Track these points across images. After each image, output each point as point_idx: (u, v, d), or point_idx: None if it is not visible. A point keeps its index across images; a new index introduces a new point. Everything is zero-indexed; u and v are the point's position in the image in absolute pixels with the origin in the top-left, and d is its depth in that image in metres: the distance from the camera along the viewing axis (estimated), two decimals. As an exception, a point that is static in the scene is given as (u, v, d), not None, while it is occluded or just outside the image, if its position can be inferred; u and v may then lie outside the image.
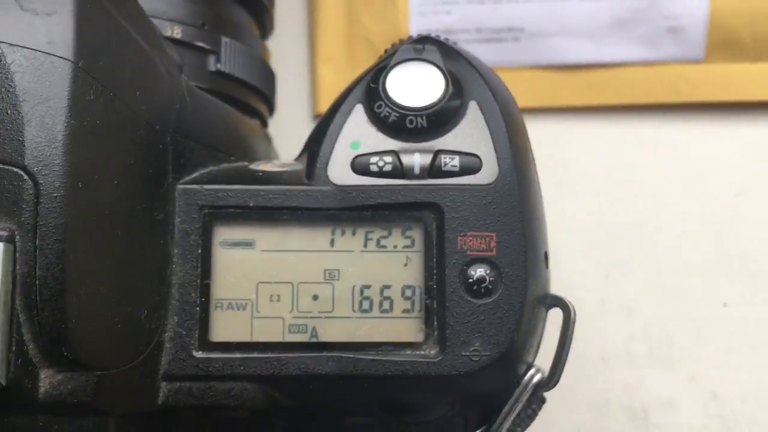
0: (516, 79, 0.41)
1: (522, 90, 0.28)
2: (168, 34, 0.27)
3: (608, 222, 0.42)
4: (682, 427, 0.41)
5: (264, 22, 0.33)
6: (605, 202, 0.42)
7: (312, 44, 0.43)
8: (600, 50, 0.42)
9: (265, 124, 0.33)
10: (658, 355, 0.42)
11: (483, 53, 0.29)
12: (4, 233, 0.20)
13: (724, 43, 0.41)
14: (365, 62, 0.43)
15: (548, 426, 0.41)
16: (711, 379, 0.41)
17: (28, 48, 0.21)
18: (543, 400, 0.27)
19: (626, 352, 0.42)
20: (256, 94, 0.31)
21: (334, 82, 0.43)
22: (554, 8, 0.41)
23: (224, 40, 0.29)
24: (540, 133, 0.28)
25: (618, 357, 0.42)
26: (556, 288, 0.43)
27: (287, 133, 0.36)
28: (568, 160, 0.42)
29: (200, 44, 0.28)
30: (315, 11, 0.43)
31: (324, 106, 0.43)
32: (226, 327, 0.24)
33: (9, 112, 0.21)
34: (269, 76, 0.32)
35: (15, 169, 0.21)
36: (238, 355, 0.24)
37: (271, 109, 0.33)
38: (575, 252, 0.42)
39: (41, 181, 0.21)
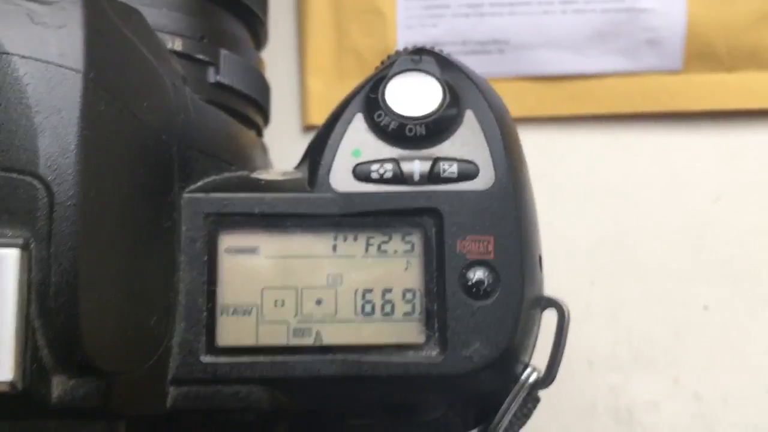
0: (501, 90, 0.41)
1: (507, 100, 0.29)
2: (169, 46, 0.28)
3: (592, 229, 0.43)
4: (666, 427, 0.42)
5: (258, 35, 0.34)
6: (589, 210, 0.43)
7: (301, 57, 0.44)
8: (582, 62, 0.43)
9: (260, 134, 0.34)
10: (642, 358, 0.43)
11: (469, 65, 0.30)
12: (20, 241, 0.21)
13: (701, 55, 0.42)
14: (354, 74, 0.44)
15: (537, 427, 0.41)
16: (693, 381, 0.42)
17: (40, 60, 0.22)
18: (537, 400, 0.28)
19: (611, 355, 0.43)
20: (253, 105, 0.32)
21: (323, 94, 0.43)
22: (538, 21, 0.42)
23: (223, 52, 0.30)
24: (524, 143, 0.29)
25: (603, 360, 0.43)
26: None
27: (277, 144, 0.37)
28: (551, 169, 0.43)
29: (200, 56, 0.29)
30: (304, 24, 0.44)
31: (313, 118, 0.43)
32: (232, 332, 0.25)
33: (23, 122, 0.21)
34: (265, 87, 0.33)
35: (29, 179, 0.21)
36: (244, 359, 0.25)
37: (266, 119, 0.34)
38: (561, 260, 0.43)
39: (55, 190, 0.21)
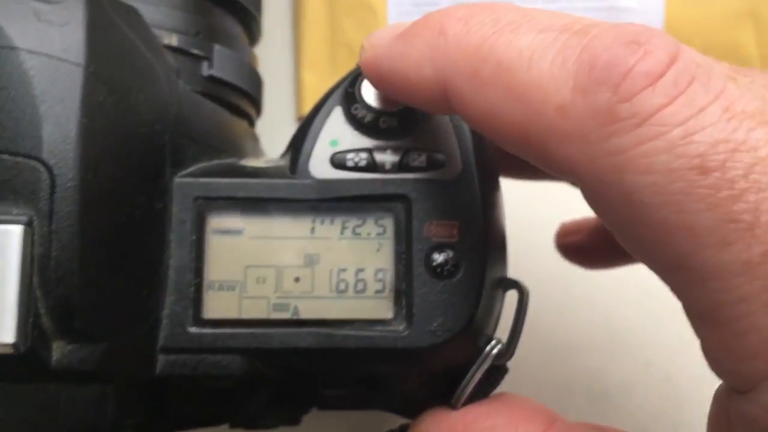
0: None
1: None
2: (165, 42, 0.30)
3: (572, 218, 0.45)
4: (639, 407, 0.44)
5: (252, 31, 0.36)
6: (569, 200, 0.45)
7: (296, 51, 0.46)
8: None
9: (252, 124, 0.36)
10: (617, 341, 0.45)
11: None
12: (24, 218, 0.23)
13: (679, 53, 0.44)
14: (346, 68, 0.46)
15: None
16: (665, 364, 0.44)
17: (44, 54, 0.24)
18: (505, 371, 0.29)
19: (588, 339, 0.45)
20: (245, 97, 0.34)
21: (317, 87, 0.46)
22: (522, 19, 0.44)
23: (216, 47, 0.32)
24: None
25: (580, 344, 0.45)
26: (525, 281, 0.45)
27: (273, 133, 0.39)
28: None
29: (194, 51, 0.31)
30: (299, 20, 0.46)
31: (307, 109, 0.46)
32: (217, 305, 0.27)
33: (28, 111, 0.24)
34: (257, 81, 0.35)
35: (34, 162, 0.23)
36: (227, 331, 0.27)
37: (259, 110, 0.36)
38: (542, 248, 0.45)
39: (56, 173, 0.23)
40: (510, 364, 0.29)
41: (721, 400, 0.23)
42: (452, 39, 0.23)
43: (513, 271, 0.41)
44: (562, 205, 0.45)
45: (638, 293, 0.45)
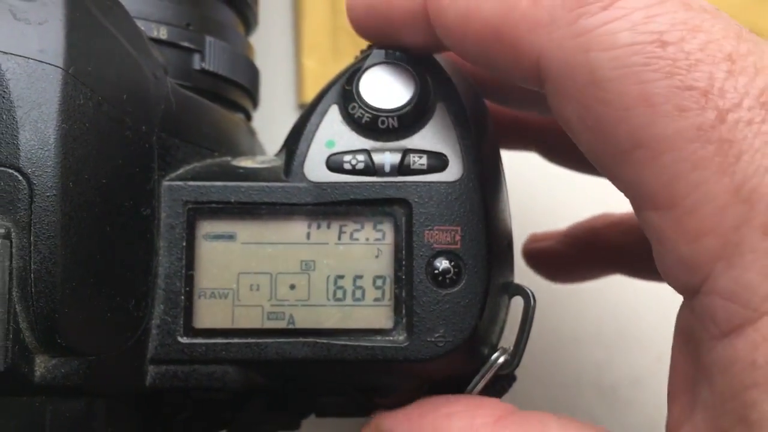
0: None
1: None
2: (154, 35, 0.29)
3: (581, 209, 0.44)
4: (648, 402, 0.43)
5: (248, 19, 0.35)
6: (578, 189, 0.44)
7: (297, 36, 0.45)
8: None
9: (249, 117, 0.35)
10: (627, 335, 0.44)
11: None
12: (1, 230, 0.22)
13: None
14: (348, 53, 0.44)
15: (521, 402, 0.42)
16: (677, 359, 0.43)
17: (21, 56, 0.23)
18: (513, 378, 0.28)
19: (597, 333, 0.44)
20: (240, 90, 0.33)
21: (318, 73, 0.44)
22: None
23: (208, 39, 0.30)
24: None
25: (589, 338, 0.44)
26: (532, 274, 0.44)
27: (272, 122, 0.38)
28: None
29: (185, 44, 0.30)
30: (300, 4, 0.44)
31: (308, 96, 0.44)
32: (209, 314, 0.26)
33: (4, 116, 0.22)
34: (253, 72, 0.34)
35: (10, 171, 0.22)
36: (220, 341, 0.26)
37: (255, 103, 0.35)
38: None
39: (35, 182, 0.22)
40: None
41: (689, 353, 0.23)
42: None
43: (520, 264, 0.40)
44: (570, 196, 0.44)
45: (649, 285, 0.43)
